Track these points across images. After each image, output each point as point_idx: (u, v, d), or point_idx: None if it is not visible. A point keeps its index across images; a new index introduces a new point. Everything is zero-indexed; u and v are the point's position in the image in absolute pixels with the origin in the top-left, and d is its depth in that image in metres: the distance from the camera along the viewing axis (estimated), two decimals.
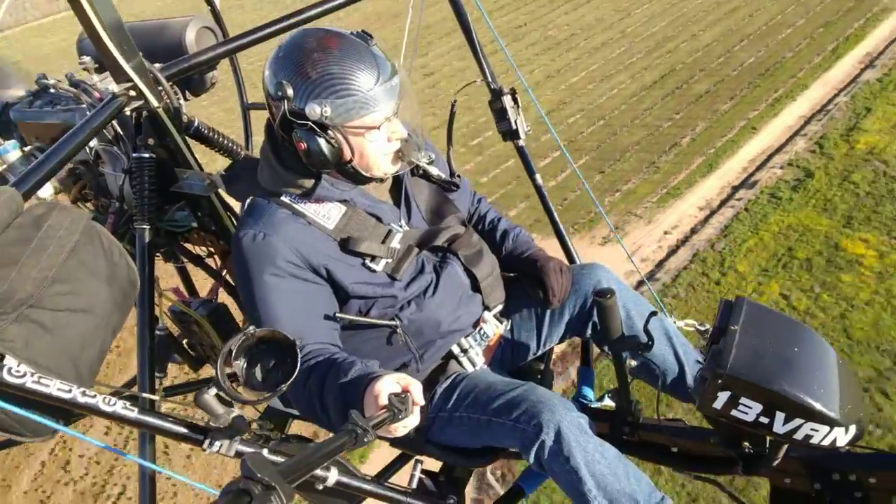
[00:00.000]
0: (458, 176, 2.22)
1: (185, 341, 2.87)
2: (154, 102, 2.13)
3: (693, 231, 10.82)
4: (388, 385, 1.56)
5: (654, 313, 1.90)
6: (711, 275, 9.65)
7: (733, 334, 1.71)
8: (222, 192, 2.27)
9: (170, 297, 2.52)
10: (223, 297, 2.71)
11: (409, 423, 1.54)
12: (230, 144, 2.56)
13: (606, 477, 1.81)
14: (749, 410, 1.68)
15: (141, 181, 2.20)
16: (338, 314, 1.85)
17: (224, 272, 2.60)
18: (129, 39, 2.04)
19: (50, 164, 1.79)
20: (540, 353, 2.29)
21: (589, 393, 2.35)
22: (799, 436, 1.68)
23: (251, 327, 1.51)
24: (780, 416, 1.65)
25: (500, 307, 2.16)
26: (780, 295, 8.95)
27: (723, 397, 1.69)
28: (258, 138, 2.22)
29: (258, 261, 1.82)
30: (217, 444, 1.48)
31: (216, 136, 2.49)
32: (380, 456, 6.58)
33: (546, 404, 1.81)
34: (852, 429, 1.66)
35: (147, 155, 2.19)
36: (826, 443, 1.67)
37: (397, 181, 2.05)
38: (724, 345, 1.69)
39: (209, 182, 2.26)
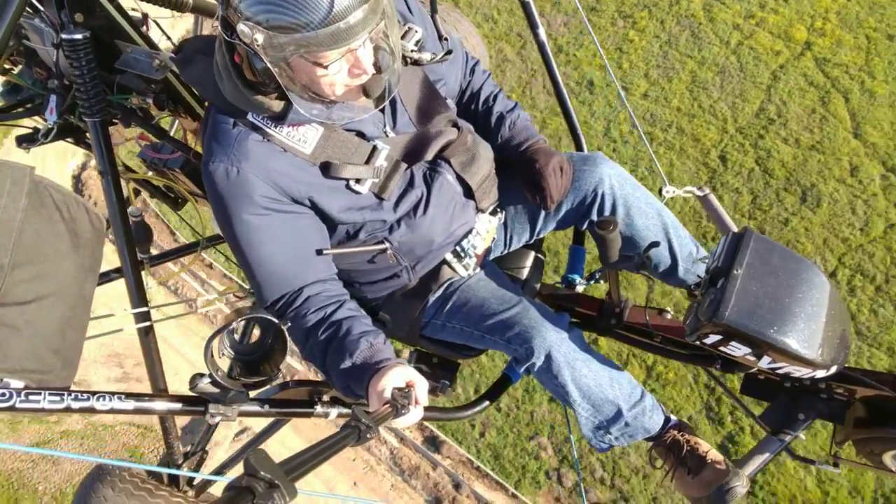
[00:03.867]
0: (447, 39, 1.92)
1: (161, 185, 2.75)
2: None
3: None
4: (392, 380, 1.54)
5: (655, 244, 1.81)
6: None
7: (735, 280, 1.66)
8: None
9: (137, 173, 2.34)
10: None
11: (409, 419, 1.55)
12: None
13: (591, 388, 1.91)
14: (738, 350, 1.72)
15: (79, 67, 1.88)
16: (316, 248, 1.74)
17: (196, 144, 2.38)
18: None
19: None
20: (533, 241, 2.23)
21: (578, 271, 2.36)
22: (780, 372, 1.74)
23: (234, 322, 1.44)
24: (766, 358, 1.70)
25: (493, 205, 2.04)
26: None
27: (714, 337, 1.72)
28: None
29: (235, 199, 1.64)
30: (219, 416, 1.52)
31: None
32: None
33: (538, 329, 1.83)
34: (833, 368, 1.72)
35: (79, 35, 1.84)
36: (806, 378, 1.75)
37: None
38: (724, 292, 1.66)
39: (160, 63, 1.94)
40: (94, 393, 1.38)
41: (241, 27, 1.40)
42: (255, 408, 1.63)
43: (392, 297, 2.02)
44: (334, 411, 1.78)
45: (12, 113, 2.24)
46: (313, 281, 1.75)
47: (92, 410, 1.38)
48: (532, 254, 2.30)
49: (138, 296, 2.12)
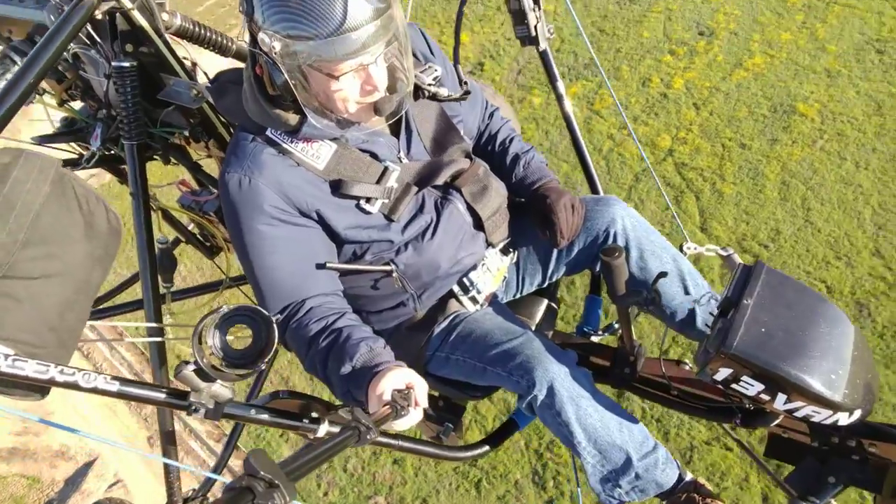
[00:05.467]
0: (467, 83, 2.00)
1: (197, 232, 2.86)
2: (126, 3, 1.91)
3: None
4: (391, 382, 1.54)
5: (663, 274, 1.77)
6: None
7: (745, 309, 1.59)
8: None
9: (171, 207, 2.46)
10: None
11: (409, 420, 1.53)
12: (220, 39, 2.33)
13: (598, 430, 1.80)
14: (750, 388, 1.62)
15: (124, 93, 2.04)
16: (323, 262, 1.77)
17: None
18: None
19: (15, 95, 1.64)
20: (546, 284, 2.21)
21: (594, 323, 2.30)
22: (799, 414, 1.62)
23: (224, 306, 1.45)
24: (781, 396, 1.59)
25: (504, 242, 2.04)
26: None
27: (724, 372, 1.62)
28: None
29: (245, 207, 1.70)
30: (202, 411, 1.49)
31: (203, 32, 2.25)
32: None
33: (540, 360, 1.77)
34: (857, 412, 1.59)
35: (127, 64, 2.01)
36: (827, 423, 1.62)
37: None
38: (733, 321, 1.58)
39: (196, 93, 2.09)
40: (80, 370, 1.38)
41: (262, 36, 1.51)
42: (241, 412, 1.60)
43: (398, 330, 2.01)
44: (323, 428, 1.73)
45: (60, 137, 2.41)
46: (317, 294, 1.77)
47: (76, 387, 1.38)
48: (545, 301, 2.26)
49: (155, 319, 2.16)
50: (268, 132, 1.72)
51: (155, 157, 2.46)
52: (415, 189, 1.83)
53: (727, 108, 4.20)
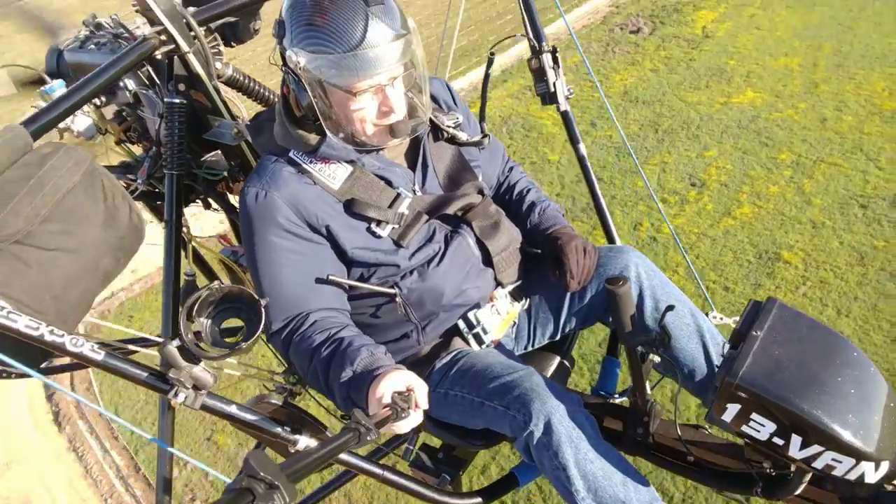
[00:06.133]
0: (489, 136, 2.07)
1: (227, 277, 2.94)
2: (184, 47, 2.11)
3: None
4: (391, 383, 1.52)
5: (671, 307, 1.70)
6: None
7: (753, 340, 1.50)
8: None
9: (206, 245, 2.56)
10: None
11: (410, 422, 1.50)
12: (265, 93, 2.53)
13: (599, 479, 1.66)
14: (762, 428, 1.48)
15: (171, 126, 2.21)
16: (331, 275, 1.79)
17: None
18: None
19: (63, 106, 1.81)
20: (559, 337, 2.14)
21: (610, 386, 2.18)
22: (818, 464, 1.46)
23: (216, 282, 1.48)
24: (796, 438, 1.44)
25: (515, 285, 2.02)
26: None
27: (732, 410, 1.50)
28: None
29: (260, 220, 1.77)
30: (182, 395, 1.47)
31: (251, 84, 2.46)
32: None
33: (539, 393, 1.68)
34: (884, 465, 1.42)
35: (178, 100, 2.20)
36: (852, 476, 1.45)
37: (415, 142, 1.94)
38: (741, 351, 1.49)
39: (237, 131, 2.24)
40: (70, 334, 1.40)
41: (289, 53, 1.65)
42: (221, 405, 1.56)
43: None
44: (304, 441, 1.66)
45: (112, 170, 2.59)
46: (322, 308, 1.78)
47: (63, 350, 1.39)
48: (556, 358, 2.18)
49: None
50: (290, 153, 1.82)
51: (196, 200, 2.60)
52: (425, 218, 1.87)
53: (713, 252, 4.31)
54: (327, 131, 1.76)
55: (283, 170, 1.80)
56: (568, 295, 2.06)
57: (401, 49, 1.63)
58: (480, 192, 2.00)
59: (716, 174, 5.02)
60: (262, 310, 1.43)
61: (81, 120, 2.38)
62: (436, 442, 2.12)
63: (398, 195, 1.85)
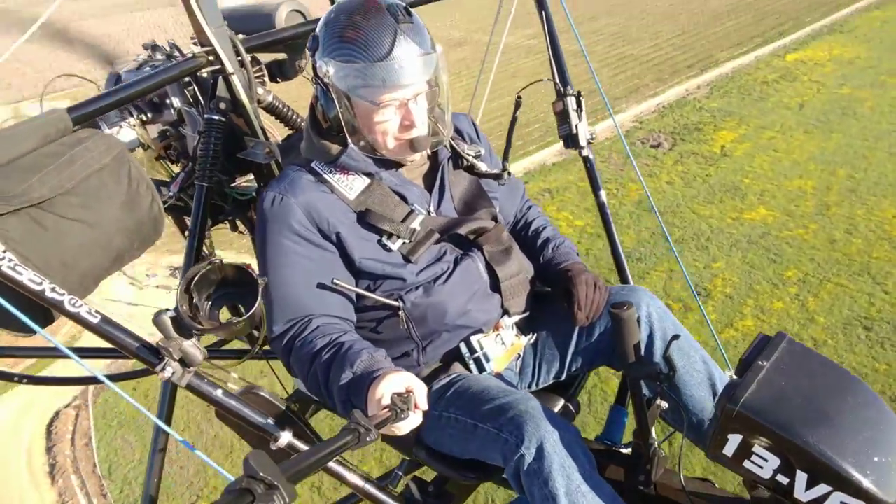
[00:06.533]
0: (510, 174, 2.10)
1: None
2: (229, 68, 2.25)
3: None
4: (391, 385, 1.51)
5: (676, 336, 1.64)
6: None
7: (759, 370, 1.43)
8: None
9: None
10: None
11: (410, 423, 1.48)
12: (301, 122, 2.64)
13: None
14: (765, 464, 1.39)
15: (208, 141, 2.31)
16: (335, 280, 1.79)
17: None
18: (215, 6, 2.19)
19: (106, 101, 1.92)
20: (565, 376, 2.07)
21: (615, 435, 2.09)
22: None
23: (217, 258, 1.50)
24: (801, 475, 1.34)
25: (522, 316, 1.98)
26: None
27: (734, 441, 1.41)
28: None
29: (274, 222, 1.81)
30: (170, 370, 1.46)
31: (289, 112, 2.58)
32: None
33: (533, 416, 1.62)
34: None
35: (217, 117, 2.31)
36: None
37: (434, 167, 1.98)
38: (744, 379, 1.42)
39: (268, 150, 2.33)
40: (71, 296, 1.43)
41: (320, 63, 1.74)
42: (207, 388, 1.54)
43: None
44: (286, 437, 1.62)
45: None
46: (326, 314, 1.78)
47: (61, 308, 1.40)
48: (561, 400, 2.10)
49: None
50: (312, 164, 1.88)
51: (224, 221, 2.68)
52: (436, 236, 1.88)
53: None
54: (349, 139, 1.81)
55: (302, 177, 1.85)
56: (576, 332, 2.01)
57: (426, 66, 1.71)
58: (494, 218, 2.01)
59: (721, 285, 4.99)
60: (259, 287, 1.44)
61: (126, 132, 2.51)
62: (428, 475, 2.03)
63: (412, 211, 1.87)
